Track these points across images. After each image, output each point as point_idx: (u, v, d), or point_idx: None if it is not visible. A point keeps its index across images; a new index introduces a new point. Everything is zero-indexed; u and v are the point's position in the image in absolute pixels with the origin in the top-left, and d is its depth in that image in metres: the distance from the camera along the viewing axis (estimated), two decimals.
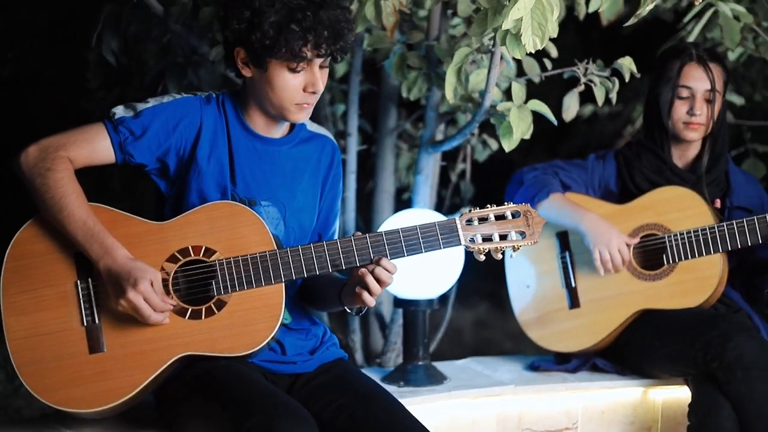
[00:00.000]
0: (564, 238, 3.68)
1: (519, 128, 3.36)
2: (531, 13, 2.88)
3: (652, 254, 3.58)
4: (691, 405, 3.38)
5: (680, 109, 3.57)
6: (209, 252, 2.74)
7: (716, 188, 3.66)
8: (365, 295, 2.73)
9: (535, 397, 3.56)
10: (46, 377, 2.69)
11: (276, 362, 2.87)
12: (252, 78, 2.80)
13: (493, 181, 4.31)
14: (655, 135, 3.66)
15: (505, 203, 2.83)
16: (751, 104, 6.10)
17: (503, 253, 2.82)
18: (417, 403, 3.28)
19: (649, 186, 3.63)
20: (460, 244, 2.79)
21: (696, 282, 3.52)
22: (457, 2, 3.46)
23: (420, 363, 3.51)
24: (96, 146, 2.79)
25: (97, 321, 2.72)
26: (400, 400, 2.82)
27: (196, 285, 2.75)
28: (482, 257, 2.81)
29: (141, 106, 2.82)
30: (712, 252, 3.48)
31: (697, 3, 3.35)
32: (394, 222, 3.43)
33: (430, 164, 3.90)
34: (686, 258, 3.50)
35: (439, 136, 3.99)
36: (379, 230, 2.84)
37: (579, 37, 6.18)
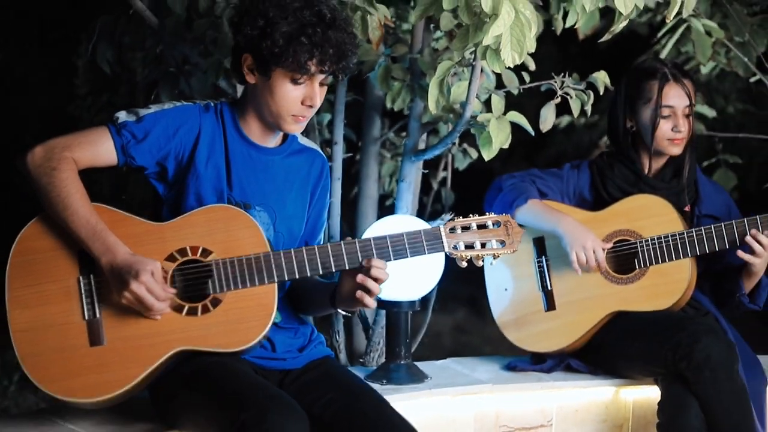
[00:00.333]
0: (540, 244, 3.73)
1: (498, 138, 3.43)
2: (510, 29, 2.98)
3: (624, 259, 3.63)
4: (660, 404, 3.44)
5: (664, 128, 3.64)
6: (206, 252, 2.82)
7: (686, 196, 3.73)
8: (367, 299, 2.83)
9: (511, 395, 3.60)
10: (47, 368, 2.75)
11: (267, 359, 2.94)
12: (255, 85, 2.89)
13: (472, 189, 4.30)
14: (623, 147, 3.73)
15: (485, 210, 2.95)
16: (723, 116, 6.21)
17: (483, 260, 2.93)
18: (399, 400, 3.30)
19: (621, 195, 3.70)
20: (444, 251, 2.90)
21: (666, 285, 3.57)
22: (439, 17, 3.49)
23: (402, 362, 3.54)
24: (99, 148, 2.86)
25: (98, 315, 2.78)
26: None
27: (193, 283, 2.82)
28: (464, 264, 2.92)
29: (143, 112, 2.90)
30: (681, 257, 3.54)
31: (668, 20, 3.41)
32: (379, 227, 3.47)
33: (413, 172, 3.92)
34: (657, 262, 3.56)
35: (422, 145, 4.02)
36: (364, 235, 2.94)
37: (557, 48, 6.25)
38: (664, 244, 3.56)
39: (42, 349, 2.77)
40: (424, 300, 3.87)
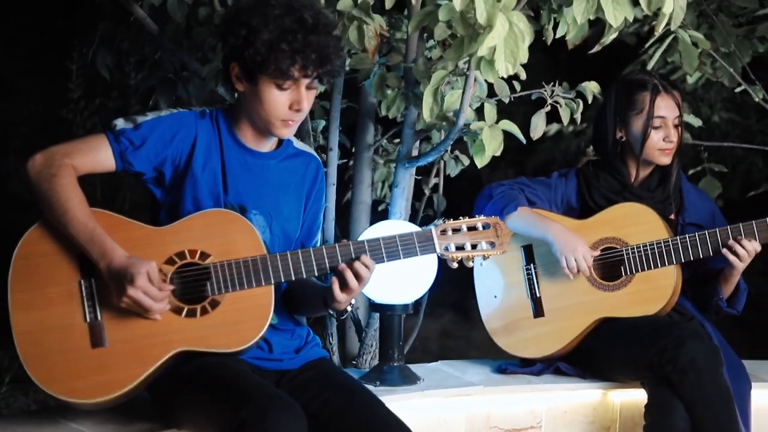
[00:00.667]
0: (529, 251, 3.76)
1: (491, 146, 3.48)
2: (504, 41, 3.04)
3: (611, 266, 3.67)
4: (647, 406, 3.48)
5: (655, 138, 3.68)
6: (204, 255, 2.85)
7: (671, 205, 3.78)
8: (336, 288, 2.86)
9: (502, 397, 3.63)
10: (50, 369, 2.77)
11: (263, 359, 2.98)
12: (244, 93, 2.93)
13: (462, 195, 4.33)
14: (610, 157, 3.77)
15: (476, 216, 2.99)
16: (709, 125, 6.28)
17: (473, 261, 2.97)
18: (392, 401, 3.28)
19: (607, 203, 3.74)
20: (436, 252, 2.94)
21: (652, 292, 3.61)
22: (434, 28, 3.52)
23: (395, 364, 3.58)
24: (98, 155, 2.90)
25: (99, 317, 2.81)
26: None
27: (192, 286, 2.85)
28: (455, 264, 2.96)
29: (141, 119, 2.94)
30: (666, 264, 3.58)
31: (657, 32, 3.46)
32: (373, 231, 3.50)
33: (407, 178, 3.96)
34: (642, 269, 3.60)
35: (415, 152, 4.05)
36: (360, 239, 2.99)
37: (546, 56, 6.30)
38: (649, 251, 3.61)
39: (44, 351, 2.79)
40: (416, 304, 3.91)
